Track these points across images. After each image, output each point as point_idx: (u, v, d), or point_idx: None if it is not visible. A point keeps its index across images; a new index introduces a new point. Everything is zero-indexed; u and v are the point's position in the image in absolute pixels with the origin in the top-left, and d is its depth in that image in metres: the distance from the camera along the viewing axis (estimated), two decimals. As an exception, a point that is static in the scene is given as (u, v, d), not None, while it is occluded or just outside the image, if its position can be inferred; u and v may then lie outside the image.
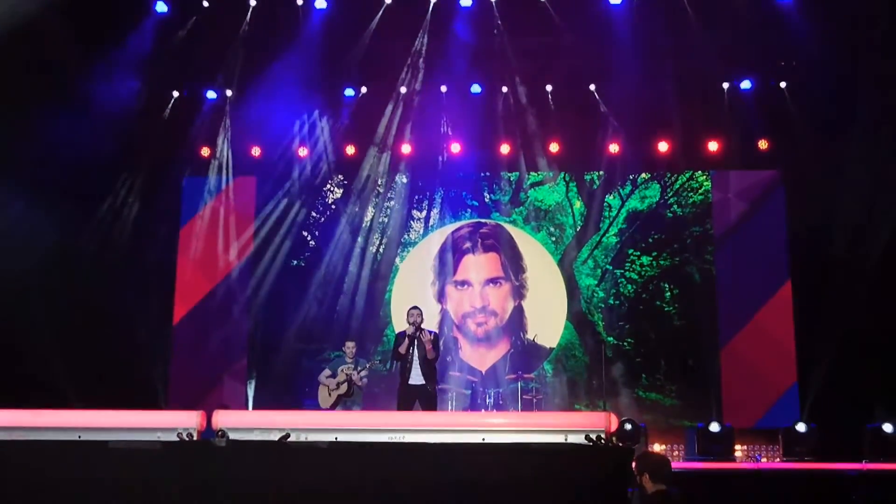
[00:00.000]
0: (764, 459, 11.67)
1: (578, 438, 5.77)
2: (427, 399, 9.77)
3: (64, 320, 11.93)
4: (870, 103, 11.42)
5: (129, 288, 12.39)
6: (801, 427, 10.99)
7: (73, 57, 11.26)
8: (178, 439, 5.57)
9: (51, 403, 6.44)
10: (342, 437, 5.68)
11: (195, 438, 5.61)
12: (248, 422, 5.95)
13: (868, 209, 11.64)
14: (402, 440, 5.74)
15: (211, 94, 13.23)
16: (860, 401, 10.99)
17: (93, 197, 12.70)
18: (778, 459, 11.24)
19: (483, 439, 5.80)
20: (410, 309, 10.03)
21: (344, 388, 10.40)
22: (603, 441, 5.78)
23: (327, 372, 10.66)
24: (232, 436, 5.65)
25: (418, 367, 9.81)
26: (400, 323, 13.01)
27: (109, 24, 11.74)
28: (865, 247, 11.62)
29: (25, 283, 11.42)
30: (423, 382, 9.76)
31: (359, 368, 10.44)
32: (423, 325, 9.91)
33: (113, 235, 12.89)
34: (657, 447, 11.86)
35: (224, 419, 5.79)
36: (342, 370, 10.47)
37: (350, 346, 10.68)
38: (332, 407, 10.37)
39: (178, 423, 5.72)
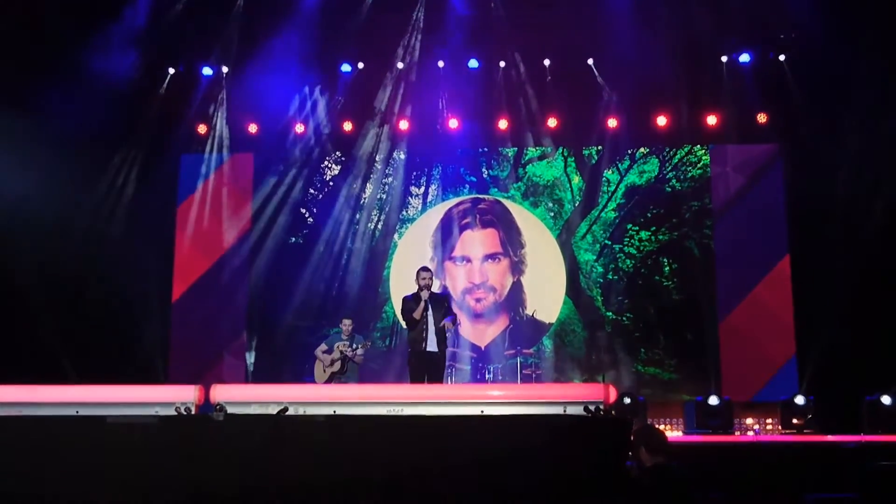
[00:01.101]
0: (762, 432, 11.70)
1: (577, 410, 5.79)
2: (437, 367, 9.23)
3: (63, 298, 11.97)
4: (869, 76, 11.35)
5: (128, 265, 12.38)
6: (799, 400, 11.01)
7: (68, 31, 11.17)
8: (175, 413, 5.58)
9: (51, 380, 6.46)
10: (340, 411, 5.70)
11: (193, 413, 5.62)
12: (246, 396, 5.98)
13: (867, 182, 11.60)
14: (400, 413, 5.76)
15: (207, 71, 13.15)
16: (859, 373, 10.99)
17: (90, 174, 12.64)
18: (776, 432, 11.27)
19: (482, 411, 5.82)
20: (420, 270, 9.45)
21: (338, 365, 10.39)
22: (602, 412, 5.80)
23: (323, 347, 10.66)
24: (230, 410, 5.67)
25: (433, 332, 9.21)
26: (399, 300, 13.00)
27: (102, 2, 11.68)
28: (864, 219, 11.59)
29: (22, 260, 11.43)
30: (437, 349, 9.18)
31: (355, 346, 10.42)
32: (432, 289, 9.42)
33: (111, 212, 12.85)
34: (659, 423, 11.89)
35: (222, 393, 5.81)
36: (338, 346, 10.47)
37: (347, 324, 10.66)
38: (328, 382, 10.38)
39: (175, 397, 5.75)
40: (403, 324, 9.72)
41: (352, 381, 10.44)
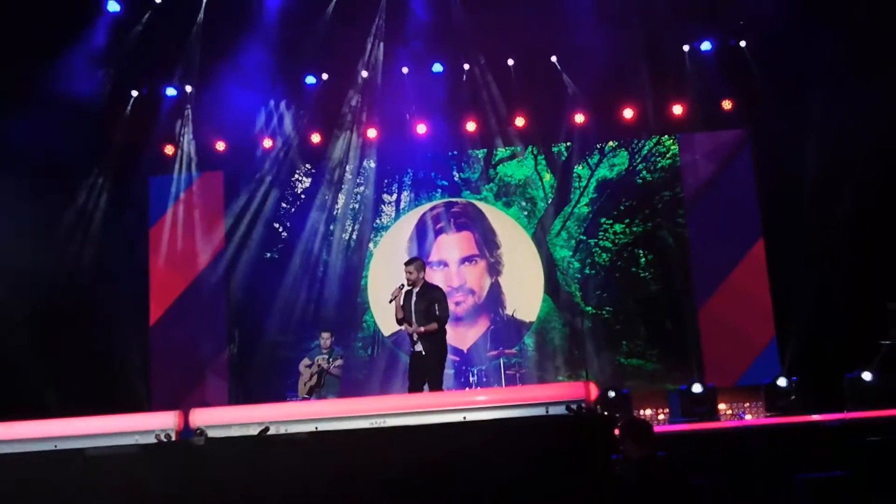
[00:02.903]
0: (748, 416, 11.76)
1: (559, 410, 5.79)
2: (430, 369, 8.73)
3: (38, 329, 11.82)
4: (830, 56, 11.44)
5: (103, 292, 12.30)
6: (782, 381, 11.08)
7: (27, 58, 11.05)
8: (156, 441, 5.53)
9: (30, 413, 6.38)
10: (322, 427, 5.67)
11: (173, 439, 5.57)
12: (226, 418, 5.94)
13: (836, 161, 11.68)
14: (383, 425, 5.73)
15: (171, 91, 13.08)
16: (839, 351, 11.07)
17: (57, 202, 12.53)
18: (762, 415, 11.33)
19: (464, 418, 5.81)
20: (404, 264, 9.05)
21: (315, 379, 10.37)
22: (584, 410, 5.79)
23: (306, 361, 10.65)
24: (211, 433, 5.63)
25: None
26: (378, 309, 13.00)
27: (63, 25, 11.56)
28: (834, 199, 11.67)
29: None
30: (423, 350, 8.74)
31: (333, 358, 10.40)
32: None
33: (82, 239, 12.74)
34: (644, 414, 11.93)
35: (201, 417, 5.77)
36: (316, 360, 10.47)
37: (325, 337, 10.63)
38: (308, 396, 10.39)
39: (155, 424, 5.70)
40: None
41: (331, 394, 10.43)
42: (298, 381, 10.63)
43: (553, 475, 5.13)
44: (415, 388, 8.79)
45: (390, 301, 8.88)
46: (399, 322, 9.01)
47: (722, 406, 11.64)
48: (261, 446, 5.45)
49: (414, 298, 8.87)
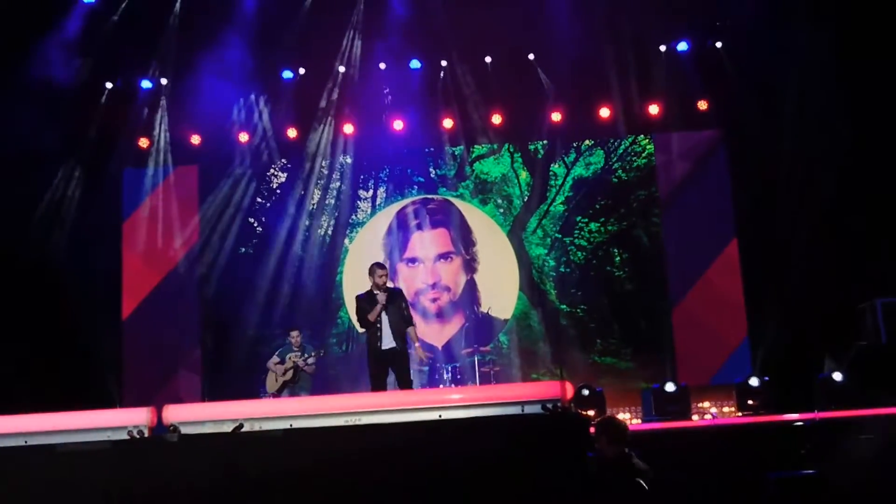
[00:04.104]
0: (720, 416, 11.83)
1: (535, 409, 5.81)
2: (400, 362, 8.85)
3: (9, 322, 11.67)
4: (807, 56, 11.53)
5: (75, 285, 12.15)
6: (753, 381, 11.14)
7: (1, 50, 10.92)
8: (128, 437, 5.48)
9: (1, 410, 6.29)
10: (297, 424, 5.64)
11: (146, 435, 5.53)
12: (199, 415, 5.91)
13: (809, 163, 11.79)
14: (358, 422, 5.72)
15: (146, 84, 12.94)
16: (810, 352, 11.18)
17: (30, 194, 12.39)
18: (733, 415, 11.41)
19: (440, 416, 5.81)
20: (376, 267, 9.00)
21: (290, 374, 10.40)
22: (560, 409, 5.81)
23: (275, 359, 10.67)
24: (184, 430, 5.59)
25: (389, 329, 8.81)
26: (353, 306, 12.92)
27: (37, 13, 11.42)
28: (808, 201, 11.77)
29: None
30: (395, 345, 8.80)
31: (305, 356, 10.41)
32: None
33: (54, 232, 12.61)
34: (617, 412, 11.97)
35: (175, 413, 5.73)
36: (290, 358, 10.47)
37: (295, 335, 10.65)
38: (278, 392, 10.36)
39: (127, 420, 5.65)
40: (357, 325, 9.42)
41: (304, 391, 10.43)
42: (267, 378, 10.63)
43: (529, 473, 5.14)
44: (379, 383, 8.80)
45: (373, 320, 8.85)
46: (366, 327, 8.97)
47: (695, 405, 11.70)
48: (234, 443, 5.42)
49: (386, 305, 8.89)
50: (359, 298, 9.11)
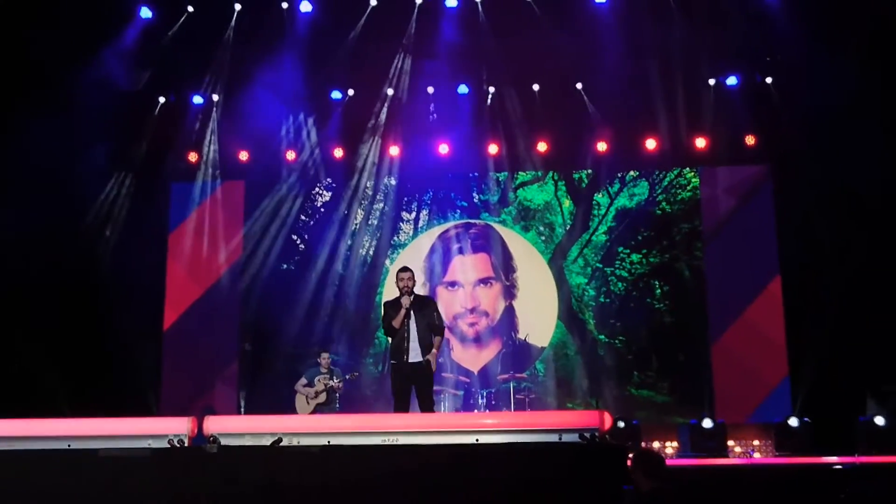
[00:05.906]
0: (757, 455, 11.68)
1: (573, 437, 5.77)
2: (424, 378, 8.07)
3: (54, 328, 11.87)
4: (856, 94, 11.42)
5: (120, 295, 12.34)
6: (793, 421, 11.01)
7: (55, 61, 11.16)
8: (168, 446, 5.54)
9: (42, 412, 6.40)
10: (335, 441, 5.66)
11: (186, 445, 5.58)
12: (239, 427, 5.95)
13: (856, 202, 11.65)
14: (395, 442, 5.72)
15: (198, 100, 13.17)
16: (852, 394, 11.00)
17: (81, 204, 12.65)
18: (771, 454, 11.25)
19: (477, 440, 5.79)
20: (399, 271, 8.33)
21: (323, 397, 10.44)
22: (597, 439, 5.77)
23: (303, 381, 10.71)
24: (223, 441, 5.62)
25: (416, 341, 8.10)
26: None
27: (94, 30, 11.67)
28: (854, 240, 11.63)
29: (13, 291, 11.35)
30: (422, 359, 8.06)
31: (335, 378, 10.46)
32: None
33: (102, 242, 12.85)
34: (653, 444, 11.87)
35: (215, 424, 5.77)
36: (319, 380, 10.50)
37: (325, 357, 10.70)
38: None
39: (168, 429, 5.70)
40: (384, 334, 8.71)
41: (333, 410, 10.49)
42: (296, 399, 10.66)
43: (564, 502, 5.11)
44: (403, 399, 8.09)
45: (398, 326, 8.20)
46: (391, 334, 8.30)
47: (731, 443, 11.56)
48: (273, 457, 5.45)
49: (414, 309, 8.22)
50: (385, 304, 8.53)
